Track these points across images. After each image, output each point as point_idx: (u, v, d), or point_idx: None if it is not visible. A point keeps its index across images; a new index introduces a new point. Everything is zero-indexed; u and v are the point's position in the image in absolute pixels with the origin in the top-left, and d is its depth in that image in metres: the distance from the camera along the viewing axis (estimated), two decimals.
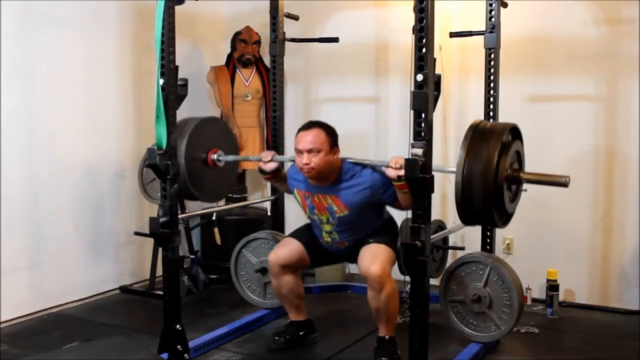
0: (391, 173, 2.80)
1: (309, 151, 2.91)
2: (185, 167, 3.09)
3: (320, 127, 2.97)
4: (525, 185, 2.78)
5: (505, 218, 2.81)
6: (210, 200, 3.66)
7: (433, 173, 2.57)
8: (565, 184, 2.65)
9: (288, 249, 3.18)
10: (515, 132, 2.78)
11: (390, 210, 3.22)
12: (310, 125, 2.99)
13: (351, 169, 2.99)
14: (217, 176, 3.35)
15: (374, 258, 2.93)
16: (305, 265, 3.26)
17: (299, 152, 2.95)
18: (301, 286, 3.29)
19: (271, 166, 3.21)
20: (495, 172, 2.59)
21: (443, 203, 4.21)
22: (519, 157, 2.81)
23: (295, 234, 3.28)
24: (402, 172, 2.61)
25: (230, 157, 3.35)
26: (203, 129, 3.23)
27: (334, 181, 2.99)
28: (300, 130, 2.99)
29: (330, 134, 2.98)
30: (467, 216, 2.71)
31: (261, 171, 3.26)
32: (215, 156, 3.27)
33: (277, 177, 3.28)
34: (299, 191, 3.12)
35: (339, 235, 3.07)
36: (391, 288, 2.92)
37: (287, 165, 3.37)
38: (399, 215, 3.74)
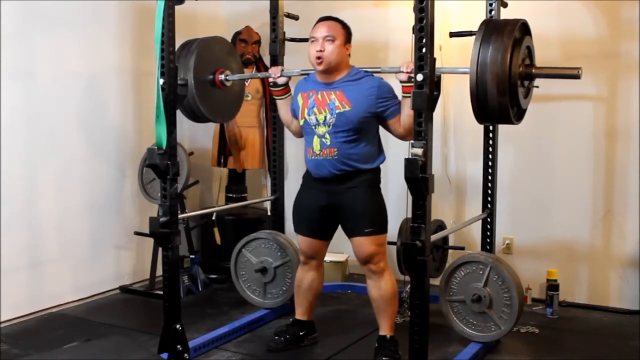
0: (402, 76, 2.87)
1: (324, 38, 2.96)
2: (194, 84, 3.13)
3: (337, 20, 3.06)
4: (534, 99, 2.74)
5: (519, 114, 2.80)
6: (217, 120, 3.67)
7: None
8: (577, 76, 2.65)
9: (306, 246, 3.22)
10: (525, 28, 2.75)
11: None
12: (327, 17, 3.07)
13: (361, 72, 3.05)
14: (225, 96, 3.40)
15: (370, 247, 3.01)
16: (325, 246, 3.27)
17: (314, 40, 2.99)
18: (321, 283, 3.32)
19: (282, 80, 3.25)
20: (508, 67, 2.57)
21: (443, 203, 4.21)
22: (530, 53, 2.78)
23: (298, 231, 3.25)
24: (412, 74, 2.69)
25: (237, 76, 3.40)
26: (209, 48, 3.27)
27: (342, 78, 3.03)
28: (317, 22, 3.05)
29: (346, 28, 3.05)
30: (482, 113, 2.69)
31: (274, 85, 3.28)
32: (222, 76, 3.31)
33: (286, 93, 3.28)
34: (302, 94, 3.11)
35: (331, 139, 3.00)
36: (389, 274, 3.08)
37: (295, 82, 3.32)
38: (399, 214, 3.75)
